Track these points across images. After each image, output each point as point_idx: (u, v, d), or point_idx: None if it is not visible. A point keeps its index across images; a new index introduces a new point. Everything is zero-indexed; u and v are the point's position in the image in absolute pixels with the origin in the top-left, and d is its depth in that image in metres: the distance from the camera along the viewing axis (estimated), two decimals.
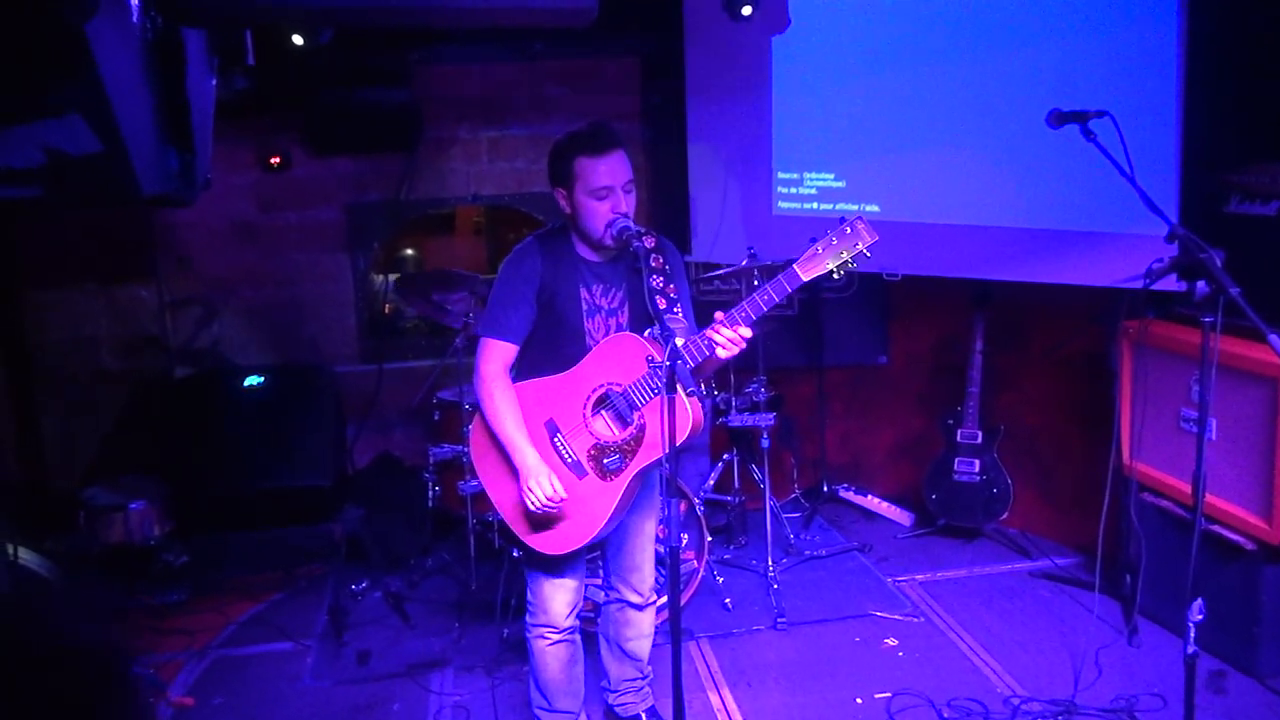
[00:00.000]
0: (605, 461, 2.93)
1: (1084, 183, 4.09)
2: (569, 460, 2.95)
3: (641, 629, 3.38)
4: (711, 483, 5.04)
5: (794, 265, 2.72)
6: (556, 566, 3.10)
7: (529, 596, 3.19)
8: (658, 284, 2.90)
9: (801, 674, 3.85)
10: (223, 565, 4.88)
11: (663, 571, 4.16)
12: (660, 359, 2.57)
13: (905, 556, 4.92)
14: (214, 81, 3.40)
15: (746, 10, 4.34)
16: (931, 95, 4.52)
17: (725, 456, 4.99)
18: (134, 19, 2.58)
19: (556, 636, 3.18)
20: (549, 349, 2.99)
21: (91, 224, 5.26)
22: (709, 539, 4.24)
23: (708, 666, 3.94)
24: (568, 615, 3.16)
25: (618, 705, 3.47)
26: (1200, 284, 2.73)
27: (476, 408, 3.04)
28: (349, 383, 5.59)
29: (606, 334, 2.99)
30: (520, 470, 2.90)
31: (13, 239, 5.24)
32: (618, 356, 2.90)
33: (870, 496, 5.51)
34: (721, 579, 4.49)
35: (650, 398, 2.85)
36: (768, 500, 4.68)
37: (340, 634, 4.26)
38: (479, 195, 5.70)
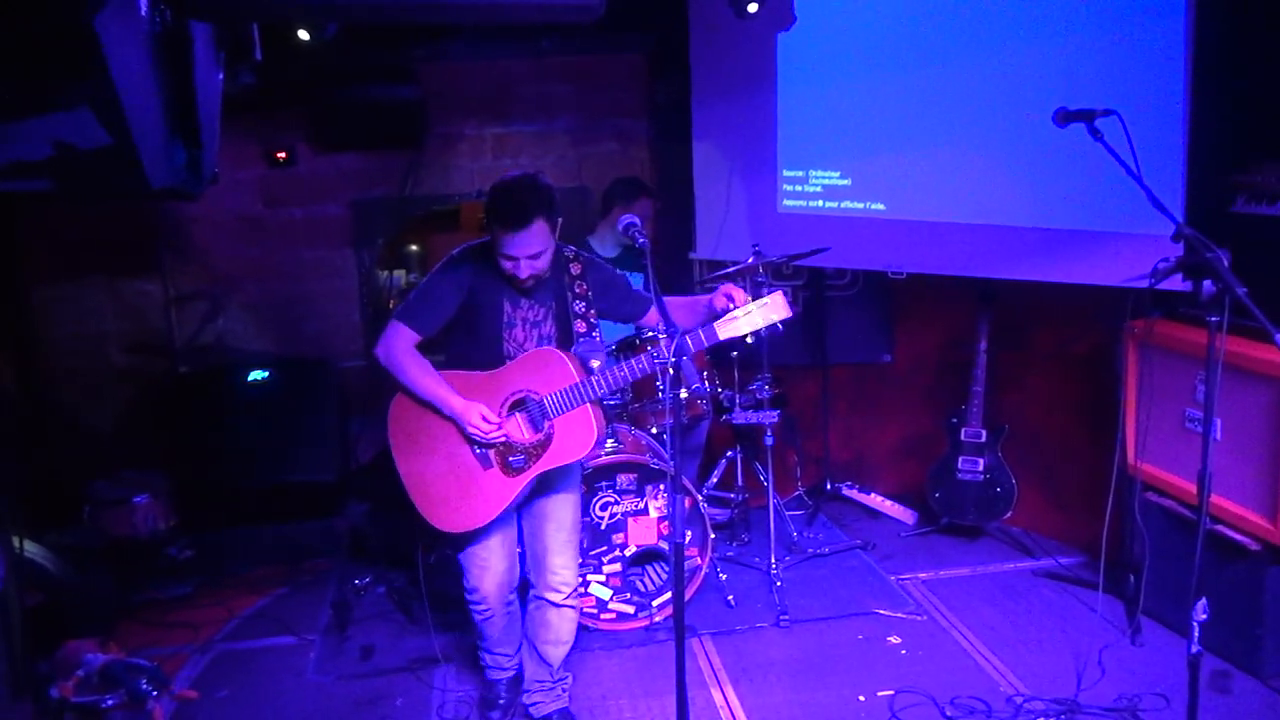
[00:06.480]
0: (511, 459, 3.18)
1: (1090, 182, 4.08)
2: (477, 451, 3.18)
3: (559, 633, 3.42)
4: (715, 480, 5.04)
5: (714, 325, 3.00)
6: (464, 543, 3.32)
7: (465, 577, 3.40)
8: (579, 309, 3.22)
9: (804, 671, 3.86)
10: (227, 560, 4.91)
11: (665, 568, 4.18)
12: (578, 379, 3.04)
13: (908, 555, 4.92)
14: (221, 76, 3.41)
15: (752, 7, 4.33)
16: (938, 93, 4.51)
17: (729, 454, 4.98)
18: (142, 12, 2.59)
19: (489, 612, 3.43)
20: (468, 350, 3.22)
21: (98, 219, 5.27)
22: (712, 536, 4.26)
23: (710, 663, 3.94)
24: (499, 596, 3.40)
25: (531, 705, 3.53)
26: (1206, 283, 2.73)
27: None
28: (353, 378, 5.59)
29: (527, 343, 3.22)
30: (454, 413, 3.11)
31: (21, 235, 5.25)
32: (541, 367, 3.15)
33: (874, 495, 5.51)
34: (725, 576, 4.50)
35: (564, 410, 3.12)
36: (771, 498, 4.69)
37: (344, 629, 4.27)
38: (484, 191, 5.67)
